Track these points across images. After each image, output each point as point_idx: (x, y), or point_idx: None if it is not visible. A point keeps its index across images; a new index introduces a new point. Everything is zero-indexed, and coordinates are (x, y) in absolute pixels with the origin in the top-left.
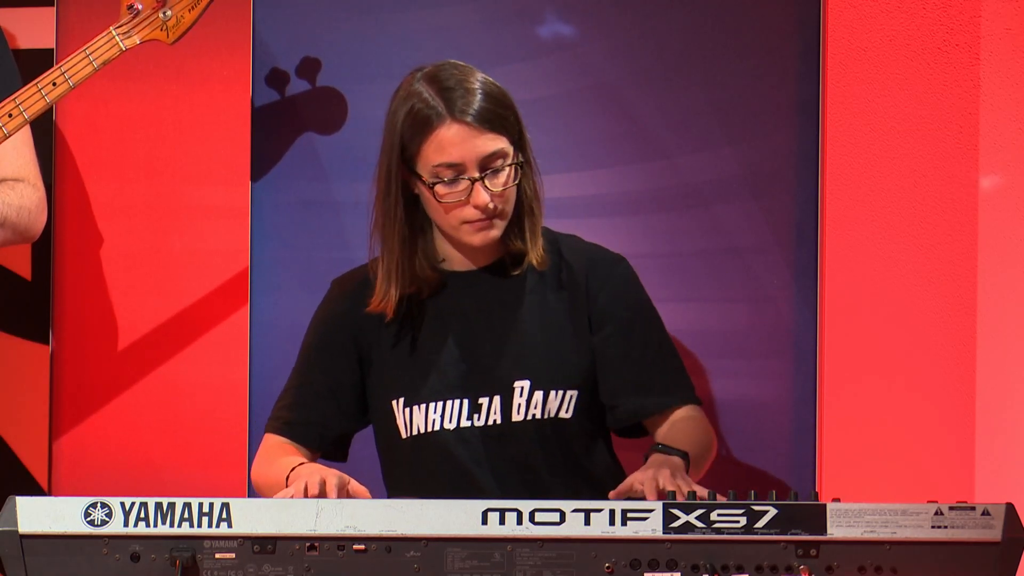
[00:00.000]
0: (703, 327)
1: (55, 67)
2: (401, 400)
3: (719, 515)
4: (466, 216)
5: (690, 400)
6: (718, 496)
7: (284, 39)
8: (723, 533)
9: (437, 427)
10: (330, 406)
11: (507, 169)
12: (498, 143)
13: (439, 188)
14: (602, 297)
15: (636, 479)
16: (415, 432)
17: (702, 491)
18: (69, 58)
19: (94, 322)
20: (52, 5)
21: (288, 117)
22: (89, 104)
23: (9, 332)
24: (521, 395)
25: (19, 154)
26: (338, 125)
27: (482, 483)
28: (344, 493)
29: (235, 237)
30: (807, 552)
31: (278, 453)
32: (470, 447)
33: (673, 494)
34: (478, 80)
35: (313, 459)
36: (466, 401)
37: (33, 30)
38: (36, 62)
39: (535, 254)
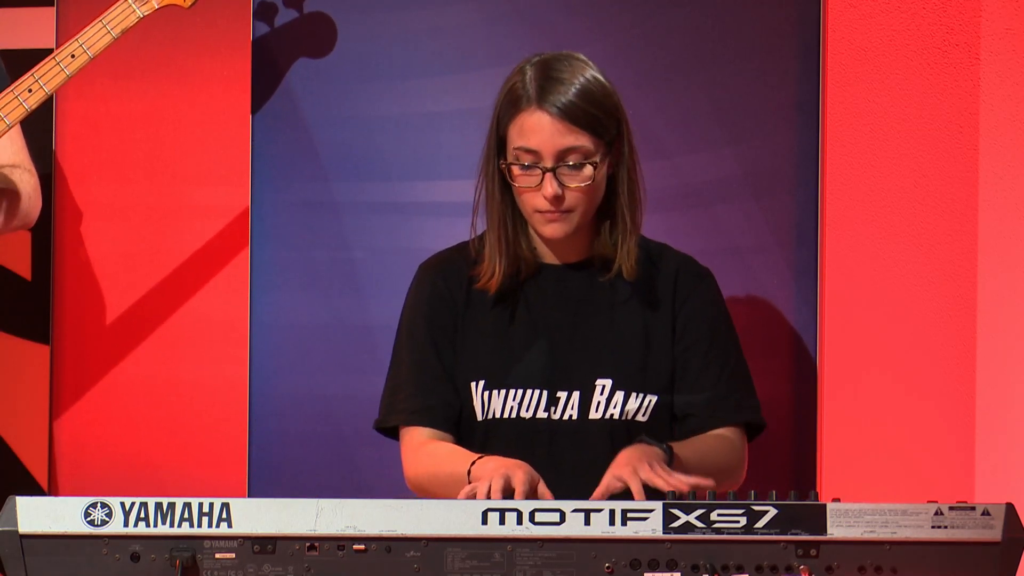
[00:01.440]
0: None
1: (73, 40)
2: (481, 383)
3: (719, 515)
4: (537, 204)
5: (754, 420)
6: (717, 496)
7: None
8: (723, 533)
9: (514, 415)
10: (448, 387)
11: (586, 168)
12: (579, 139)
13: (515, 170)
14: (686, 309)
15: (614, 475)
16: (491, 416)
17: (681, 480)
18: (86, 30)
19: (94, 322)
20: (52, 5)
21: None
22: (89, 104)
23: (9, 332)
24: (602, 393)
25: (11, 141)
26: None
27: (545, 475)
28: (533, 494)
29: (235, 237)
30: (807, 552)
31: (439, 444)
32: (541, 438)
33: (673, 494)
34: (582, 77)
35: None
36: (545, 392)
37: (33, 30)
38: (36, 62)
39: (626, 264)
